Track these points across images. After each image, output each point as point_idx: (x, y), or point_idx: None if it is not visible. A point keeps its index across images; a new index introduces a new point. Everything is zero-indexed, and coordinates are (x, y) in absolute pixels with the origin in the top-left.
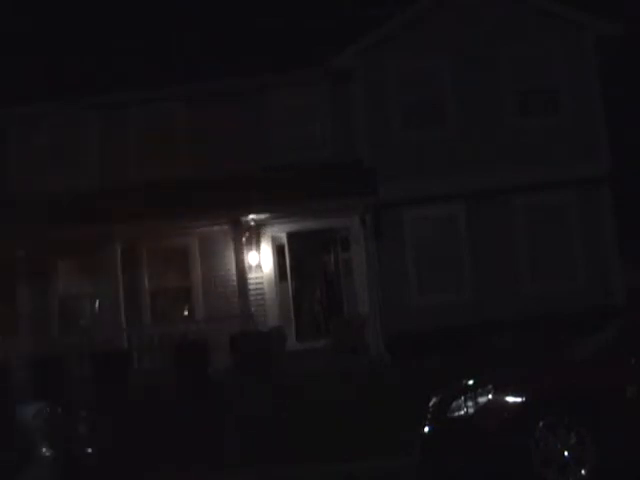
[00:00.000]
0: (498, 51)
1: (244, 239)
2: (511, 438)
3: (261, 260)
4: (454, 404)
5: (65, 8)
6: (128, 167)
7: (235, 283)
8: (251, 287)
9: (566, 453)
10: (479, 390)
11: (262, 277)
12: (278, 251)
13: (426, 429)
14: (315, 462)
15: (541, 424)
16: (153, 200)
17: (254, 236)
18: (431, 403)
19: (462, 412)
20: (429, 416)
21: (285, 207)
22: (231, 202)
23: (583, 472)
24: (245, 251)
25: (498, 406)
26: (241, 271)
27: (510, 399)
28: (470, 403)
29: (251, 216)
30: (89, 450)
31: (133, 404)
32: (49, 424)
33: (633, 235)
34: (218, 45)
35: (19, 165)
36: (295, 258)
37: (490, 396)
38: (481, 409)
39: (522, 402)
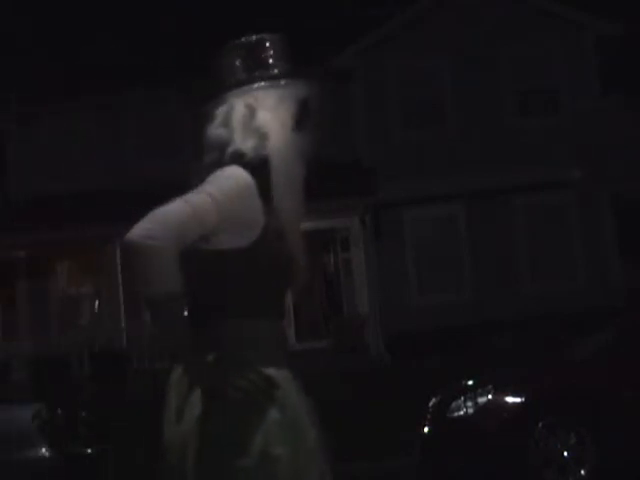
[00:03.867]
0: (498, 51)
1: None
2: (511, 438)
3: None
4: (454, 404)
5: (65, 8)
6: (128, 167)
7: None
8: None
9: (566, 453)
10: (479, 390)
11: None
12: None
13: (426, 429)
14: None
15: (541, 424)
16: (153, 200)
17: None
18: (431, 403)
19: (462, 412)
20: (429, 416)
21: None
22: None
23: (583, 472)
24: None
25: (498, 406)
26: None
27: (510, 399)
28: (470, 403)
29: None
30: (89, 450)
31: (133, 404)
32: (49, 424)
33: (633, 235)
34: (218, 45)
35: (19, 165)
36: None
37: (490, 396)
38: (481, 409)
39: (522, 402)
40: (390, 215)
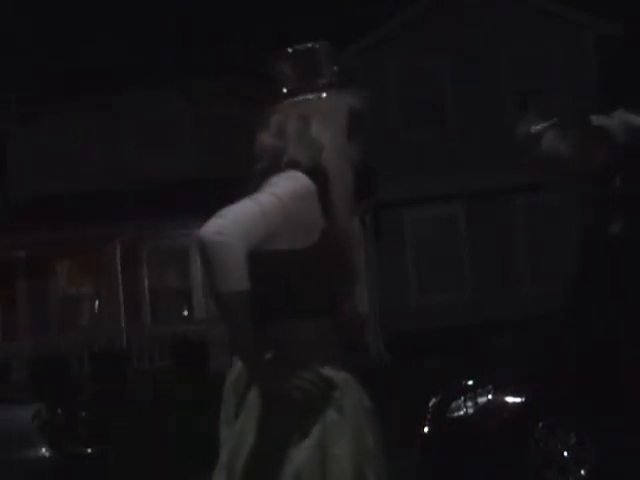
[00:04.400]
0: (498, 51)
1: None
2: (511, 438)
3: None
4: (454, 404)
5: (65, 8)
6: (128, 167)
7: None
8: None
9: (566, 453)
10: (479, 390)
11: None
12: None
13: (426, 429)
14: None
15: (541, 424)
16: (153, 200)
17: None
18: (431, 403)
19: (462, 412)
20: (429, 416)
21: None
22: (231, 201)
23: (583, 472)
24: None
25: (498, 406)
26: None
27: (510, 399)
28: (470, 403)
29: None
30: (89, 450)
31: (133, 404)
32: (49, 424)
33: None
34: (219, 44)
35: (19, 165)
36: None
37: (490, 396)
38: (481, 409)
39: (522, 402)
40: (390, 215)
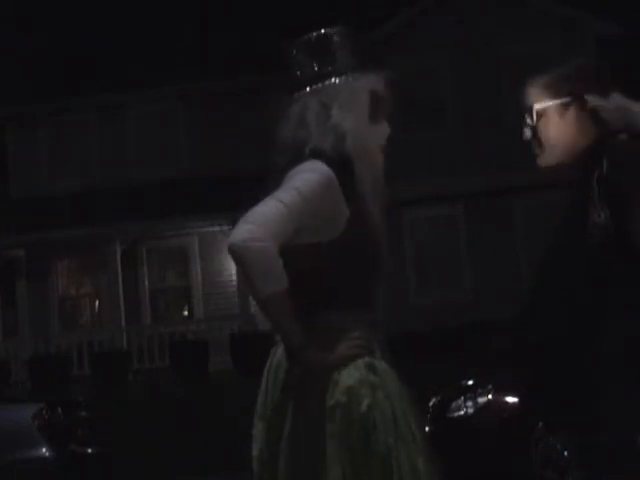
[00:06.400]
0: (498, 51)
1: None
2: (511, 438)
3: None
4: (454, 404)
5: (65, 8)
6: (128, 167)
7: (235, 283)
8: None
9: (566, 453)
10: (479, 390)
11: None
12: None
13: (426, 429)
14: None
15: (540, 424)
16: (153, 200)
17: None
18: (431, 403)
19: (462, 412)
20: (429, 416)
21: None
22: (231, 202)
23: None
24: None
25: (498, 406)
26: None
27: (510, 399)
28: (470, 403)
29: None
30: (89, 450)
31: (133, 404)
32: (49, 424)
33: None
34: (218, 45)
35: (19, 165)
36: None
37: (490, 396)
38: (481, 409)
39: (522, 402)
40: (390, 215)
